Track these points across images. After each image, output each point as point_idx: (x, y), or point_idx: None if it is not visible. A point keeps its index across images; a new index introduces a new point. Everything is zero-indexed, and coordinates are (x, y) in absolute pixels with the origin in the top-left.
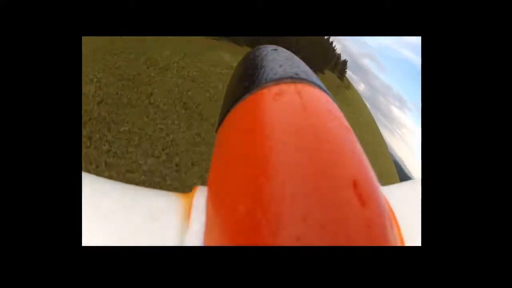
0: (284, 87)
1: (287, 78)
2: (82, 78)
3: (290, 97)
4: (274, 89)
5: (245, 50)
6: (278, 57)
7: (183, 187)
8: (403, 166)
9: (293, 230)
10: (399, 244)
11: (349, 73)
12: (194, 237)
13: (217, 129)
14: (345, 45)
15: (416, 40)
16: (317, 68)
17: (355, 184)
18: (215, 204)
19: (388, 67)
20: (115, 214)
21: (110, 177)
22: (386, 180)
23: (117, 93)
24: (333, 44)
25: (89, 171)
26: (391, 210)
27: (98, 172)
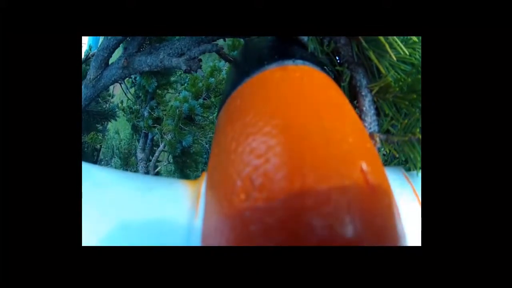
0: (286, 68)
1: (289, 60)
2: None
3: (292, 76)
4: (276, 71)
5: None
6: (276, 43)
7: None
8: None
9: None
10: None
11: None
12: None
13: (217, 115)
14: None
15: None
16: None
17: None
18: (213, 189)
19: None
20: (122, 206)
21: None
22: None
23: None
24: None
25: None
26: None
27: None
